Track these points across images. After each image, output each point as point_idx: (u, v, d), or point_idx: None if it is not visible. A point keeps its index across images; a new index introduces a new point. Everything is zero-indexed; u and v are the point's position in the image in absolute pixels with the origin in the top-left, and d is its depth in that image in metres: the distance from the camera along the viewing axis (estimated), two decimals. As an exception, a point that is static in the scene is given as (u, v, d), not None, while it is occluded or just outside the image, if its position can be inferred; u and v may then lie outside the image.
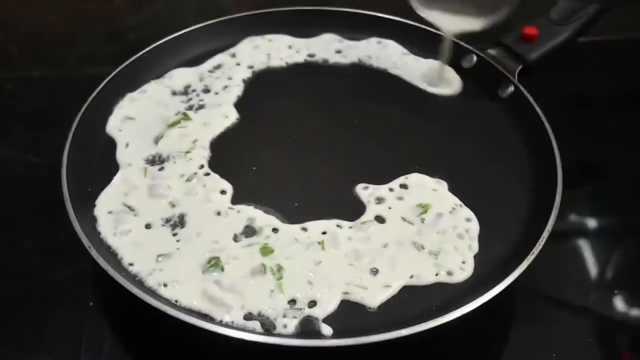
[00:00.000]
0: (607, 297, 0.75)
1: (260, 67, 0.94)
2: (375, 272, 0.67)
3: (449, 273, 0.67)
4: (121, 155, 0.80)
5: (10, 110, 0.98)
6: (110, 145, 0.82)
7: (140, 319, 0.66)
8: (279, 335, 0.62)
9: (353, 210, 0.74)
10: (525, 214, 0.73)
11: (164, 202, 0.74)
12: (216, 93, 0.89)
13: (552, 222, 0.68)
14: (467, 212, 0.73)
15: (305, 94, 0.91)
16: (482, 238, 0.71)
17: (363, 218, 0.73)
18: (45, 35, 1.13)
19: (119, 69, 0.88)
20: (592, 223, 0.84)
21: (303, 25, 1.00)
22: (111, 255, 0.68)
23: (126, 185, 0.75)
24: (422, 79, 0.92)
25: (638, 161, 0.90)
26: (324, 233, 0.71)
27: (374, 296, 0.65)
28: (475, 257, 0.69)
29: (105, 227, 0.70)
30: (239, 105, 0.87)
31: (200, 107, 0.87)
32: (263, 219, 0.72)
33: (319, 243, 0.69)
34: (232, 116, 0.86)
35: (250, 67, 0.94)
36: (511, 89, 0.88)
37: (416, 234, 0.71)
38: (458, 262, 0.68)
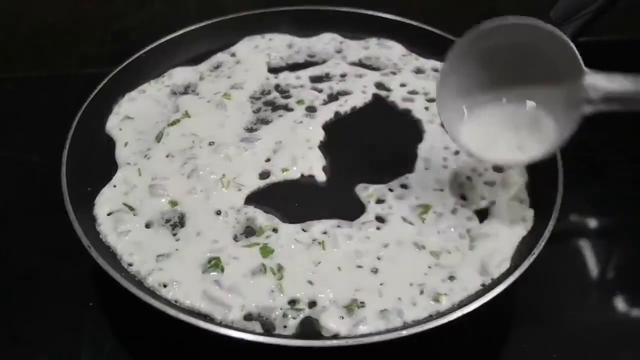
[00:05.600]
0: (607, 297, 0.75)
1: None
2: (375, 272, 0.67)
3: (450, 273, 0.67)
4: (121, 154, 0.80)
5: (10, 110, 0.98)
6: (109, 144, 0.82)
7: (140, 319, 0.66)
8: (279, 335, 0.62)
9: (353, 210, 0.74)
10: (525, 213, 0.73)
11: (164, 202, 0.74)
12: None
13: (553, 222, 0.68)
14: (468, 212, 0.73)
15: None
16: (483, 237, 0.71)
17: (363, 218, 0.72)
18: (45, 35, 1.13)
19: (118, 68, 0.88)
20: (592, 223, 0.84)
21: (303, 25, 1.00)
22: (111, 255, 0.68)
23: (126, 185, 0.75)
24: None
25: (638, 161, 0.90)
26: (324, 233, 0.71)
27: (374, 296, 0.65)
28: (476, 256, 0.69)
29: (105, 226, 0.71)
30: (239, 105, 0.87)
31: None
32: (263, 218, 0.72)
33: (319, 243, 0.69)
34: (232, 116, 0.86)
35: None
36: (511, 88, 0.87)
37: (417, 234, 0.71)
38: (459, 262, 0.68)
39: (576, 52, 0.66)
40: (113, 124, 0.84)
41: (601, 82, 0.65)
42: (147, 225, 0.71)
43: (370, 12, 1.01)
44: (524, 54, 0.69)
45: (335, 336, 0.61)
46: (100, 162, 0.79)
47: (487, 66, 0.70)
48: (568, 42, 0.66)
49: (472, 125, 0.72)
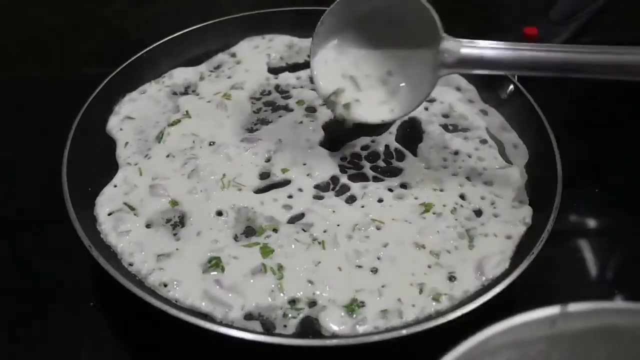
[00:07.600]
0: (606, 297, 0.75)
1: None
2: (375, 271, 0.67)
3: (450, 273, 0.67)
4: (121, 154, 0.80)
5: (10, 110, 0.98)
6: (110, 144, 0.82)
7: (141, 318, 0.66)
8: (279, 335, 0.62)
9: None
10: (525, 213, 0.73)
11: (164, 202, 0.74)
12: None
13: (552, 222, 0.68)
14: (468, 212, 0.73)
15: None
16: (482, 237, 0.71)
17: (363, 218, 0.73)
18: (45, 35, 1.13)
19: (119, 69, 0.88)
20: (592, 223, 0.84)
21: (303, 25, 1.00)
22: (112, 255, 0.68)
23: (126, 185, 0.75)
24: None
25: (638, 161, 0.90)
26: (324, 232, 0.71)
27: (374, 296, 0.65)
28: (476, 256, 0.69)
29: (106, 226, 0.71)
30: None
31: (201, 107, 0.87)
32: (263, 218, 0.72)
33: (319, 243, 0.69)
34: (232, 116, 0.86)
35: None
36: (511, 88, 0.88)
37: (417, 234, 0.71)
38: (459, 262, 0.68)
39: (436, 17, 0.69)
40: (113, 124, 0.84)
41: (455, 47, 0.69)
42: (148, 225, 0.71)
43: (370, 13, 1.01)
44: (391, 21, 0.74)
45: (335, 335, 0.61)
46: (100, 162, 0.79)
47: (361, 30, 0.76)
48: (429, 8, 0.69)
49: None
